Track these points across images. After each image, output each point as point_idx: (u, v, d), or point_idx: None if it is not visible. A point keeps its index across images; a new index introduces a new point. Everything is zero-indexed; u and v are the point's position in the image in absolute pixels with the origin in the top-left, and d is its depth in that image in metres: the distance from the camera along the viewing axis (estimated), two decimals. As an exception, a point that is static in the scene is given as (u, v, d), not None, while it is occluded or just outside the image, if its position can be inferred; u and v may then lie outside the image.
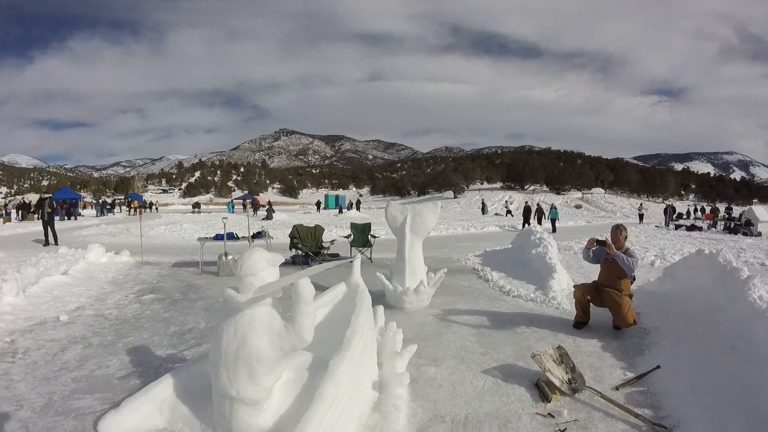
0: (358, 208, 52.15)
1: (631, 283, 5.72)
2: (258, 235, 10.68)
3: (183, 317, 6.15)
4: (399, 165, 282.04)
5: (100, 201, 51.11)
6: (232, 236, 10.44)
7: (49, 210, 15.17)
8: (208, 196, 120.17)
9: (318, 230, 11.44)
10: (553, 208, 28.80)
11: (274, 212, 35.77)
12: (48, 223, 15.02)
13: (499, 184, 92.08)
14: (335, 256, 11.51)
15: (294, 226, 11.35)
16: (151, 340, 5.17)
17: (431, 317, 6.21)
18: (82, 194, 51.41)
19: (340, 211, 46.49)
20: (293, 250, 11.12)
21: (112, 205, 47.36)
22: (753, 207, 29.10)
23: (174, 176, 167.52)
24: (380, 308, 4.95)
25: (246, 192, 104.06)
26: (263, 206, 53.39)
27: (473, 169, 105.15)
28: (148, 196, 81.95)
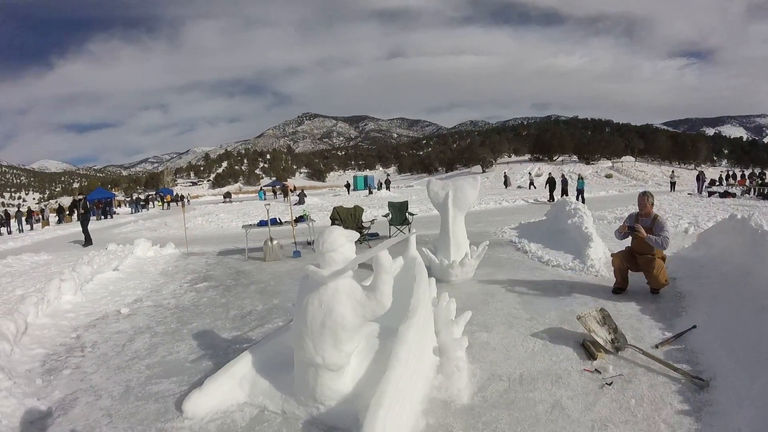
0: (388, 188, 52.05)
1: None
2: (300, 219, 10.72)
3: (240, 301, 6.25)
4: (424, 142, 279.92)
5: (134, 198, 52.30)
6: (275, 222, 10.50)
7: (83, 211, 15.37)
8: (237, 185, 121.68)
9: (357, 211, 11.42)
10: (580, 178, 27.14)
11: (306, 197, 36.01)
12: (84, 224, 15.28)
13: (527, 157, 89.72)
14: (375, 236, 11.53)
15: (334, 207, 11.36)
16: (214, 325, 5.26)
17: (477, 288, 6.43)
18: (114, 193, 52.65)
19: (370, 192, 46.40)
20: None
21: (146, 201, 48.45)
22: None
23: (202, 168, 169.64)
24: (433, 279, 5.20)
25: (274, 178, 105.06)
26: (293, 191, 53.90)
27: (500, 142, 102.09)
28: (178, 190, 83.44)
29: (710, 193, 27.81)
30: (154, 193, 64.02)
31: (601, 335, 4.14)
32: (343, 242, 3.13)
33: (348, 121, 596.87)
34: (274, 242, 9.49)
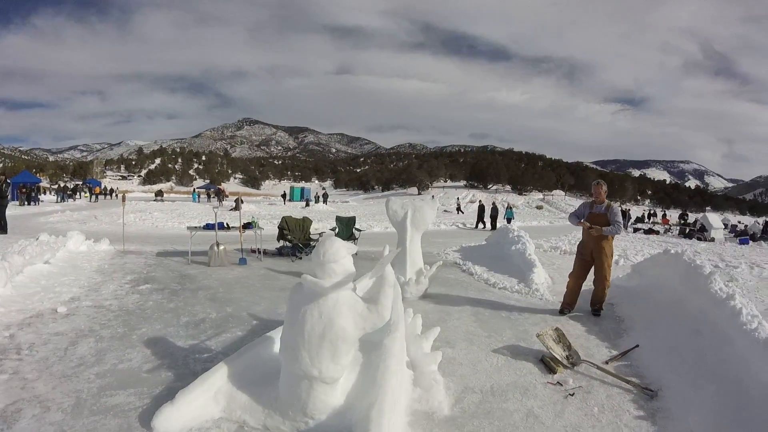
0: (325, 202, 51.62)
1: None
2: (248, 226, 10.31)
3: (190, 308, 5.84)
4: (362, 159, 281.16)
5: (61, 186, 48.61)
6: (222, 226, 10.01)
7: (6, 194, 13.69)
8: (169, 184, 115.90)
9: (306, 222, 11.18)
10: (509, 207, 28.28)
11: (242, 203, 34.96)
12: (1, 209, 13.41)
13: (462, 183, 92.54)
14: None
15: (283, 217, 11.05)
16: (166, 332, 4.87)
17: (431, 306, 6.58)
18: (40, 178, 48.69)
19: (307, 204, 45.74)
20: (281, 241, 10.86)
21: (74, 190, 45.13)
22: (707, 215, 30.54)
23: (134, 162, 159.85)
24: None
25: (208, 181, 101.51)
26: (226, 196, 52.22)
27: (438, 167, 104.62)
28: (106, 182, 78.39)
29: (635, 230, 29.76)
30: (81, 183, 59.83)
31: (558, 352, 4.50)
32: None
33: (288, 131, 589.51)
34: (221, 247, 9.04)
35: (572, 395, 3.90)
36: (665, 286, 6.57)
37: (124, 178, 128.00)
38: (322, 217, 24.41)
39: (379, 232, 18.66)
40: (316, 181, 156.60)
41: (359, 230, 12.27)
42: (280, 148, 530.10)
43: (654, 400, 3.91)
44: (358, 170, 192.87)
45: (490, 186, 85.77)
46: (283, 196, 58.33)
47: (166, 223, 18.71)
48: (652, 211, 53.41)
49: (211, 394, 3.17)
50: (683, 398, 3.83)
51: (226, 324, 5.26)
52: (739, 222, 40.18)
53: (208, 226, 9.84)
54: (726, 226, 32.25)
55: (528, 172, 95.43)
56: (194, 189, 68.90)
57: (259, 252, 10.32)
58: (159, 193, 52.00)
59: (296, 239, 10.60)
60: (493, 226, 25.29)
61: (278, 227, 10.88)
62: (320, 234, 11.36)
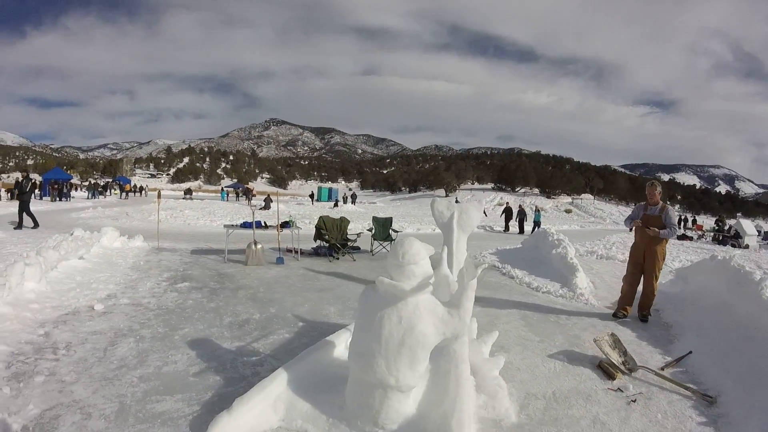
0: (353, 202, 51.53)
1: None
2: (286, 225, 10.04)
3: (231, 307, 5.58)
4: (388, 161, 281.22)
5: (92, 183, 49.62)
6: (260, 225, 9.78)
7: (24, 191, 13.72)
8: (197, 183, 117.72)
9: (344, 222, 10.88)
10: (537, 210, 27.28)
11: (272, 202, 35.02)
12: (21, 206, 13.35)
13: (490, 185, 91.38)
14: (356, 249, 11.00)
15: (320, 217, 10.77)
16: (209, 332, 4.60)
17: (478, 309, 6.18)
18: (71, 175, 49.74)
19: (336, 204, 45.63)
20: (317, 241, 10.59)
21: (105, 187, 45.99)
22: (741, 221, 29.39)
23: (162, 161, 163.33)
24: None
25: (236, 180, 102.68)
26: (254, 195, 52.54)
27: (465, 168, 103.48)
28: (136, 180, 79.88)
29: None
30: (111, 180, 61.07)
31: (614, 357, 4.46)
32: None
33: (314, 131, 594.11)
34: (259, 246, 8.81)
35: (634, 401, 3.85)
36: (712, 292, 6.50)
37: (153, 176, 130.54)
38: (352, 218, 24.23)
39: (410, 233, 18.27)
40: (343, 182, 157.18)
41: (396, 231, 11.94)
42: (306, 148, 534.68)
43: (714, 406, 3.88)
44: (385, 171, 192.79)
45: (518, 189, 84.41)
46: (311, 196, 58.46)
47: (198, 221, 18.69)
48: (683, 217, 51.90)
49: (270, 401, 2.96)
50: (742, 405, 3.76)
51: (271, 325, 4.98)
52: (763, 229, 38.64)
53: (246, 225, 9.61)
54: (759, 232, 31.02)
55: (556, 175, 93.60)
56: (222, 188, 69.67)
57: (296, 251, 10.06)
58: (188, 192, 52.69)
59: (334, 239, 10.31)
60: (521, 230, 24.73)
61: (315, 227, 10.61)
62: (358, 235, 11.08)
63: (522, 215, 25.67)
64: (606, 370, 4.37)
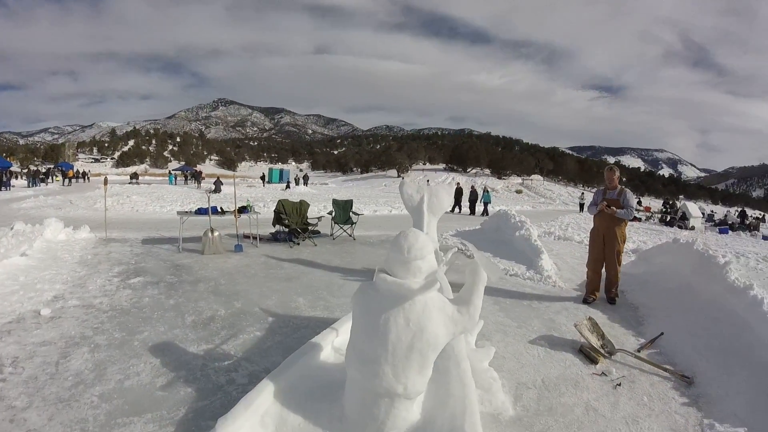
0: (305, 184, 50.58)
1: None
2: (243, 210, 9.55)
3: (193, 304, 5.16)
4: (339, 141, 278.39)
5: (32, 170, 46.35)
6: (216, 211, 9.22)
7: None
8: (143, 166, 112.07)
9: (303, 206, 10.48)
10: (485, 191, 26.71)
11: (222, 185, 33.86)
12: None
13: (442, 166, 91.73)
14: (317, 234, 10.63)
15: (279, 201, 10.31)
16: (172, 335, 4.20)
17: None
18: (11, 162, 46.16)
19: (288, 186, 44.59)
20: (276, 226, 10.17)
21: (46, 174, 42.98)
22: (686, 203, 30.83)
23: (106, 144, 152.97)
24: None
25: (183, 163, 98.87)
26: (203, 178, 50.64)
27: (417, 149, 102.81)
28: (79, 165, 75.25)
29: None
30: (53, 166, 57.24)
31: (594, 342, 4.50)
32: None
33: (264, 111, 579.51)
34: (216, 233, 8.33)
35: (619, 385, 3.92)
36: (676, 273, 6.66)
37: (96, 160, 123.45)
38: (306, 200, 23.70)
39: (368, 216, 18.02)
40: (293, 163, 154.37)
41: (357, 214, 11.64)
42: (255, 129, 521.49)
43: (692, 386, 4.02)
44: (336, 152, 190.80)
45: (470, 169, 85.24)
46: (262, 178, 56.96)
47: (146, 208, 17.69)
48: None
49: (257, 418, 2.63)
50: (719, 384, 3.95)
51: (239, 322, 4.63)
52: (712, 211, 40.96)
53: (201, 211, 9.05)
54: (703, 215, 32.81)
55: (507, 156, 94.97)
56: (170, 171, 66.81)
57: (255, 238, 9.61)
58: (134, 176, 50.17)
59: (294, 224, 9.91)
60: (472, 210, 24.58)
61: (274, 211, 10.16)
62: (319, 218, 10.71)
63: (474, 196, 25.44)
64: (588, 355, 4.41)
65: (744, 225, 29.53)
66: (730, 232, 25.69)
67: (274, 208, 10.31)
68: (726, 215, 37.25)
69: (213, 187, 32.89)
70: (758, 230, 28.66)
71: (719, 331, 4.93)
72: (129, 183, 43.29)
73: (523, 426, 3.12)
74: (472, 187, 26.61)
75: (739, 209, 50.41)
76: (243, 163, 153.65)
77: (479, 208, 24.80)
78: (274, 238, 10.12)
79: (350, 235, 10.95)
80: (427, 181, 50.77)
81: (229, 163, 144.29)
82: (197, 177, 48.23)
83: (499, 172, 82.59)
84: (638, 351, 4.70)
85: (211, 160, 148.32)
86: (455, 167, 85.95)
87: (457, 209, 24.62)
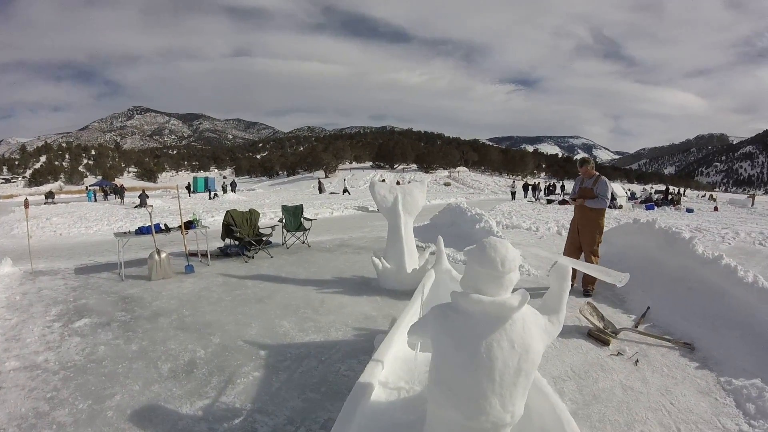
0: (233, 190, 48.16)
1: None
2: (190, 225, 8.46)
3: (161, 346, 4.25)
4: (261, 145, 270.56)
5: None
6: (160, 228, 8.07)
7: None
8: (57, 184, 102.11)
9: (254, 215, 9.56)
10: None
11: (148, 197, 31.32)
12: None
13: (369, 164, 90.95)
14: (269, 244, 9.69)
15: (227, 212, 9.29)
16: (152, 393, 3.33)
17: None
18: None
19: (215, 195, 41.99)
20: (226, 239, 9.18)
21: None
22: (612, 184, 32.77)
23: (17, 162, 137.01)
24: None
25: (100, 177, 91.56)
26: (125, 192, 46.83)
27: (343, 148, 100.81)
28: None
29: (549, 201, 30.87)
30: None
31: (598, 324, 4.64)
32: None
33: (182, 118, 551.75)
34: (163, 255, 7.26)
35: (638, 362, 4.04)
36: (638, 251, 6.83)
37: (7, 180, 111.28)
38: (238, 208, 22.18)
39: (311, 218, 17.15)
40: (216, 170, 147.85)
41: (309, 219, 10.87)
42: (174, 137, 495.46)
43: (695, 351, 4.27)
44: (258, 156, 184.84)
45: (397, 166, 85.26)
46: (188, 187, 53.61)
47: (70, 230, 15.63)
48: (551, 183, 55.83)
49: None
50: (717, 346, 4.25)
51: (227, 363, 3.84)
52: (629, 190, 43.59)
53: (143, 230, 7.89)
54: (626, 194, 34.85)
55: (433, 150, 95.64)
56: (87, 187, 61.33)
57: (204, 255, 8.58)
58: (50, 195, 45.13)
59: (246, 235, 8.98)
60: None
61: (223, 224, 9.13)
62: (273, 228, 9.81)
63: None
64: (598, 338, 4.49)
65: (668, 200, 31.55)
66: (655, 207, 27.26)
67: (222, 220, 9.31)
68: (643, 192, 39.87)
69: (138, 201, 30.34)
70: (680, 204, 30.73)
71: (698, 299, 5.28)
72: (45, 203, 39.05)
73: (583, 418, 3.10)
74: (398, 182, 25.73)
75: (656, 186, 54.32)
76: (164, 174, 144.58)
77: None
78: (224, 252, 9.09)
79: (304, 242, 10.19)
80: (398, 182, 49.47)
81: (148, 174, 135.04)
82: (119, 192, 44.45)
83: (425, 166, 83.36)
84: (636, 327, 4.86)
85: (129, 172, 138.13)
86: (382, 164, 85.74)
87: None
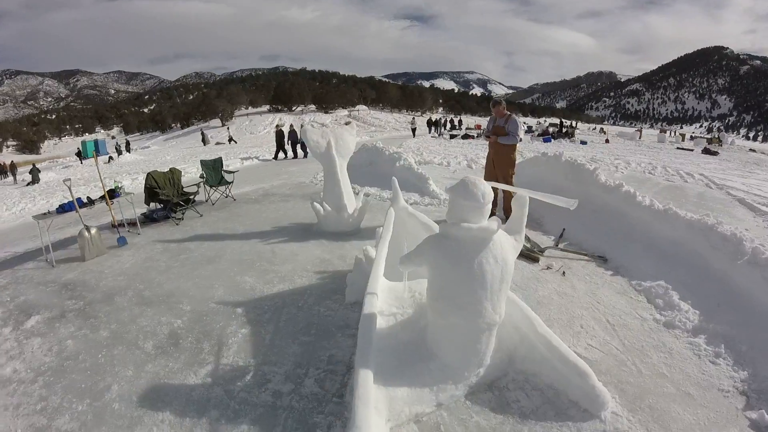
0: (128, 151, 43.80)
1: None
2: (114, 194, 7.63)
3: (133, 326, 3.97)
4: (147, 97, 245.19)
5: None
6: (82, 203, 7.18)
7: None
8: None
9: (176, 174, 8.78)
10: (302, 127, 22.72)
11: (39, 171, 27.78)
12: None
13: (266, 107, 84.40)
14: (194, 202, 8.91)
15: (148, 174, 8.41)
16: (148, 374, 3.20)
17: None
18: None
19: (110, 159, 37.68)
20: (151, 204, 8.47)
21: None
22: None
23: None
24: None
25: (-27, 158, 79.04)
26: (16, 169, 40.95)
27: (238, 93, 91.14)
28: None
29: (452, 137, 31.48)
30: None
31: (527, 245, 5.14)
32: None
33: (56, 77, 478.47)
34: (93, 231, 6.57)
35: (564, 273, 4.67)
36: (546, 182, 7.15)
37: None
38: (138, 170, 20.31)
39: (247, 169, 16.23)
40: (102, 131, 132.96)
41: (230, 172, 10.28)
42: (50, 99, 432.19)
43: (608, 262, 4.96)
44: (146, 110, 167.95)
45: (295, 108, 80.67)
46: (78, 154, 47.58)
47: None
48: (450, 119, 55.40)
49: (371, 408, 2.31)
50: (624, 257, 5.00)
51: (209, 327, 3.76)
52: (525, 123, 45.09)
53: (66, 207, 6.98)
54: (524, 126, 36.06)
55: (330, 90, 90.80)
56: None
57: (132, 224, 7.92)
58: None
59: (172, 197, 8.36)
60: (295, 153, 20.65)
61: (146, 187, 8.28)
62: (198, 185, 9.18)
63: (294, 137, 20.73)
64: (528, 256, 5.00)
65: (562, 133, 33.27)
66: (552, 140, 28.71)
67: (144, 184, 8.48)
68: (538, 125, 41.78)
69: (30, 177, 26.88)
70: (574, 137, 32.59)
71: (603, 220, 5.97)
72: None
73: (542, 316, 3.48)
74: (291, 126, 21.86)
75: (549, 119, 56.68)
76: (46, 143, 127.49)
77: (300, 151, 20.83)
78: (151, 218, 8.29)
79: (228, 196, 9.68)
80: (322, 124, 45.93)
81: (30, 145, 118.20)
82: (11, 171, 38.56)
83: (324, 106, 79.89)
84: (557, 245, 5.52)
85: (8, 146, 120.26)
86: (280, 107, 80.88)
87: (282, 155, 20.44)
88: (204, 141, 42.92)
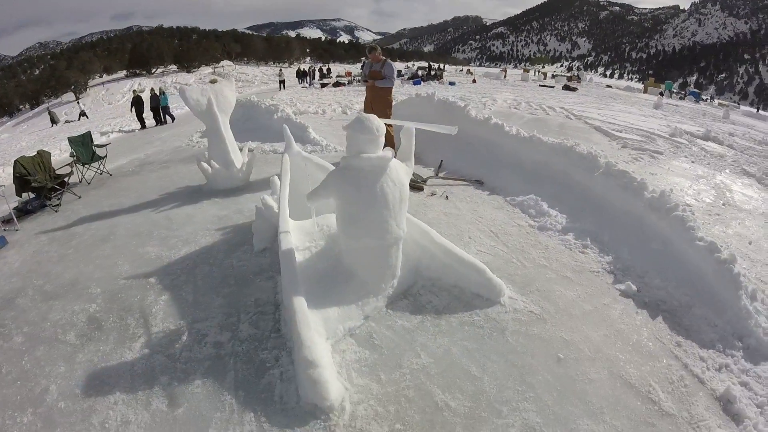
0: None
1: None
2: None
3: (46, 323, 3.74)
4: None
5: None
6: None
7: None
8: None
9: (45, 157, 7.80)
10: (162, 93, 18.76)
11: None
12: None
13: (123, 73, 73.02)
14: (67, 185, 7.91)
15: (15, 161, 7.29)
16: (83, 365, 3.14)
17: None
18: None
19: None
20: (23, 194, 7.54)
21: None
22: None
23: None
24: None
25: None
26: None
27: (90, 60, 77.63)
28: None
29: (323, 85, 30.74)
30: None
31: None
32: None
33: None
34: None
35: (447, 197, 5.33)
36: (422, 120, 7.85)
37: None
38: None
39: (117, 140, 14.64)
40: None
41: (101, 146, 9.30)
42: None
43: (484, 185, 5.71)
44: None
45: (155, 70, 71.57)
46: None
47: None
48: (318, 67, 52.58)
49: (315, 336, 2.60)
50: (497, 180, 5.78)
51: (127, 302, 3.76)
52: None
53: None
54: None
55: (191, 47, 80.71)
56: None
57: (6, 222, 7.03)
58: None
59: (47, 181, 7.51)
60: (159, 120, 18.22)
61: (14, 177, 7.20)
62: (70, 165, 8.24)
63: (156, 102, 18.20)
64: (413, 186, 5.27)
65: (431, 76, 33.44)
66: (422, 83, 28.87)
67: (13, 173, 7.43)
68: (407, 69, 41.59)
69: None
70: (443, 78, 32.84)
71: (476, 149, 6.62)
72: None
73: (434, 227, 3.91)
74: (152, 91, 18.96)
75: (417, 63, 56.30)
76: None
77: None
78: (26, 210, 7.21)
79: (103, 172, 8.77)
80: (213, 80, 41.09)
81: None
82: None
83: (186, 65, 72.03)
84: (437, 175, 6.16)
85: None
86: (138, 71, 71.44)
87: (143, 123, 18.06)
88: (53, 121, 37.00)
